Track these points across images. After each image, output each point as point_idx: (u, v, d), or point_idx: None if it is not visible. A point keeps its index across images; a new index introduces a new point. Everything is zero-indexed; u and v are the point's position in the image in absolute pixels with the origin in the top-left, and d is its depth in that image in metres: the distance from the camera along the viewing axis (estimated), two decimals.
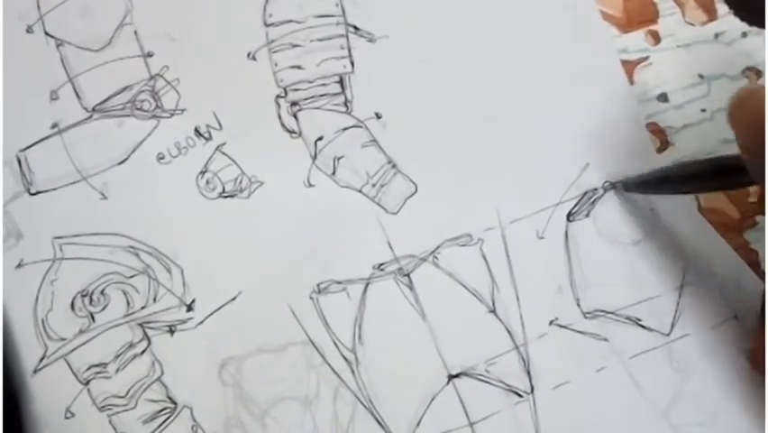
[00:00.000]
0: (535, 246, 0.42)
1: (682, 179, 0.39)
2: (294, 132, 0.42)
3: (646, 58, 0.45)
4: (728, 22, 0.45)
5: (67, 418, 0.38)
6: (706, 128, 0.44)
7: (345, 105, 0.43)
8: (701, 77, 0.45)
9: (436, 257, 0.41)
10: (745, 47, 0.45)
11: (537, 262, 0.42)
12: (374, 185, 0.42)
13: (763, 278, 0.42)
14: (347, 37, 0.43)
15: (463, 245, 0.42)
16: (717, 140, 0.44)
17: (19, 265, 0.39)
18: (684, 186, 0.40)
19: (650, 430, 0.40)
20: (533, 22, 0.44)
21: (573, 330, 0.41)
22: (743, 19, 0.45)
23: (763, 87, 0.36)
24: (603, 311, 0.41)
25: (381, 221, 0.42)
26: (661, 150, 0.44)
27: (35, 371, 0.38)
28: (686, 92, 0.44)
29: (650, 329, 0.41)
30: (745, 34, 0.45)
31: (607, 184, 0.43)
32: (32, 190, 0.40)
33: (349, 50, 0.43)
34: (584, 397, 0.40)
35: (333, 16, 0.43)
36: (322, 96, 0.42)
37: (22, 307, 0.39)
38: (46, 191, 0.40)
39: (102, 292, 0.39)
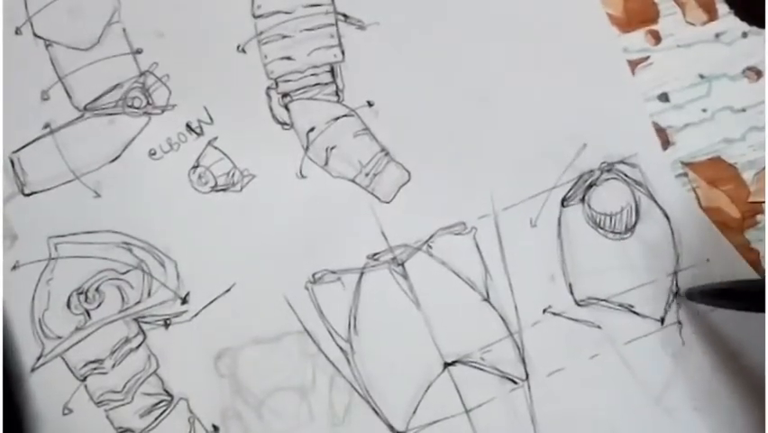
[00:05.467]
0: (529, 234, 0.42)
1: (743, 296, 0.38)
2: (285, 123, 0.42)
3: (647, 58, 0.44)
4: (729, 21, 0.45)
5: (65, 414, 0.39)
6: (707, 128, 0.44)
7: (336, 94, 0.43)
8: (702, 76, 0.44)
9: (430, 246, 0.41)
10: (746, 47, 0.45)
11: (530, 250, 0.41)
12: (367, 174, 0.42)
13: (762, 276, 0.42)
14: (336, 25, 0.43)
15: (457, 234, 0.42)
16: (718, 139, 0.43)
17: (15, 267, 0.40)
18: (745, 303, 0.39)
19: (644, 415, 0.40)
20: (525, 4, 0.44)
21: (567, 318, 0.41)
22: (743, 19, 0.44)
23: None
24: (596, 298, 0.41)
25: (375, 210, 0.42)
26: (662, 149, 0.44)
27: (33, 369, 0.39)
28: (687, 92, 0.44)
29: (643, 316, 0.41)
30: (745, 34, 0.45)
31: (604, 165, 0.43)
32: (26, 191, 0.41)
33: (339, 39, 0.43)
34: (579, 383, 0.40)
35: (321, 5, 0.43)
36: (313, 86, 0.42)
37: (20, 307, 0.40)
38: (40, 192, 0.41)
39: (97, 289, 0.40)
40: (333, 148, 0.42)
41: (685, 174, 0.43)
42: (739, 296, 0.38)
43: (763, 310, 0.36)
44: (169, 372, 0.40)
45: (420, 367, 0.40)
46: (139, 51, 0.42)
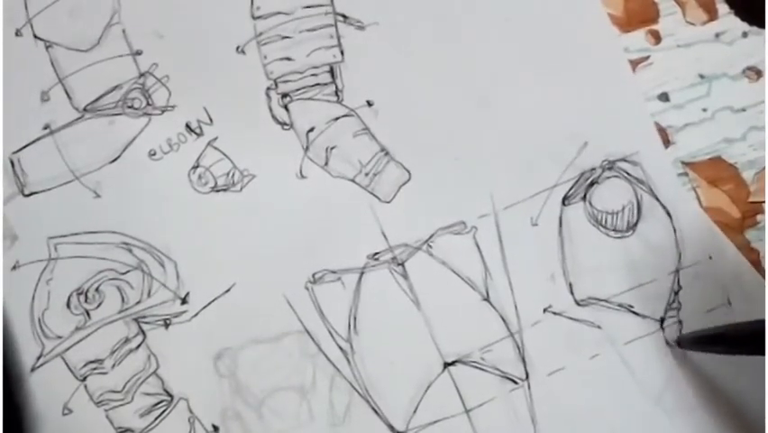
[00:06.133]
0: (529, 233, 0.42)
1: (735, 340, 0.37)
2: (285, 124, 0.42)
3: (647, 57, 0.44)
4: (729, 21, 0.45)
5: (65, 414, 0.39)
6: (707, 127, 0.44)
7: (336, 94, 0.43)
8: (702, 76, 0.44)
9: (430, 246, 0.41)
10: (746, 47, 0.45)
11: (530, 250, 0.41)
12: (367, 174, 0.42)
13: (763, 276, 0.42)
14: (336, 26, 0.43)
15: (457, 234, 0.42)
16: (719, 139, 0.43)
17: (15, 267, 0.40)
18: (738, 348, 0.38)
19: (643, 416, 0.40)
20: (525, 4, 0.44)
21: (567, 317, 0.41)
22: (743, 18, 0.44)
23: None
24: (596, 299, 0.41)
25: (375, 210, 0.42)
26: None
27: (33, 369, 0.39)
28: (687, 91, 0.44)
29: (643, 316, 0.41)
30: (745, 34, 0.45)
31: (605, 162, 0.42)
32: (26, 192, 0.41)
33: (338, 39, 0.43)
34: (578, 383, 0.40)
35: (321, 6, 0.43)
36: (312, 86, 0.42)
37: (20, 307, 0.40)
38: (40, 192, 0.41)
39: (97, 289, 0.40)
40: (332, 148, 0.42)
41: (685, 174, 0.43)
42: (732, 341, 0.38)
43: (758, 353, 0.35)
44: (168, 372, 0.40)
45: (420, 367, 0.40)
46: (139, 53, 0.42)
